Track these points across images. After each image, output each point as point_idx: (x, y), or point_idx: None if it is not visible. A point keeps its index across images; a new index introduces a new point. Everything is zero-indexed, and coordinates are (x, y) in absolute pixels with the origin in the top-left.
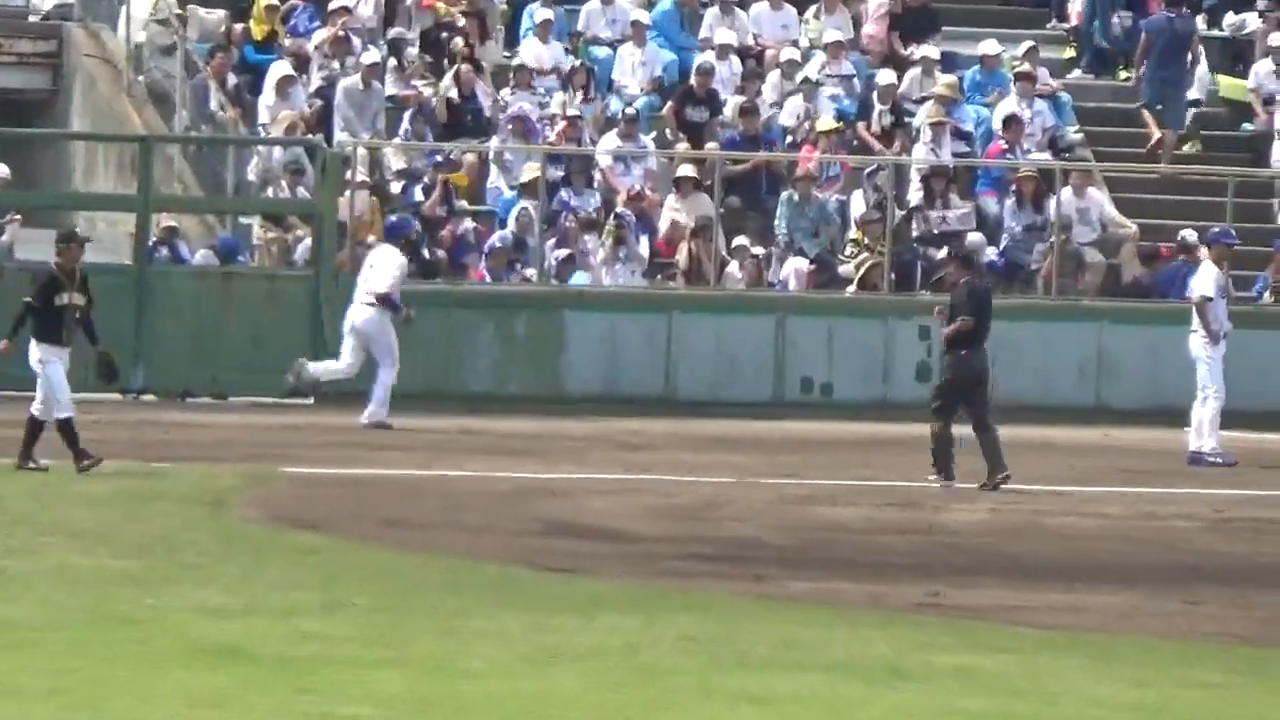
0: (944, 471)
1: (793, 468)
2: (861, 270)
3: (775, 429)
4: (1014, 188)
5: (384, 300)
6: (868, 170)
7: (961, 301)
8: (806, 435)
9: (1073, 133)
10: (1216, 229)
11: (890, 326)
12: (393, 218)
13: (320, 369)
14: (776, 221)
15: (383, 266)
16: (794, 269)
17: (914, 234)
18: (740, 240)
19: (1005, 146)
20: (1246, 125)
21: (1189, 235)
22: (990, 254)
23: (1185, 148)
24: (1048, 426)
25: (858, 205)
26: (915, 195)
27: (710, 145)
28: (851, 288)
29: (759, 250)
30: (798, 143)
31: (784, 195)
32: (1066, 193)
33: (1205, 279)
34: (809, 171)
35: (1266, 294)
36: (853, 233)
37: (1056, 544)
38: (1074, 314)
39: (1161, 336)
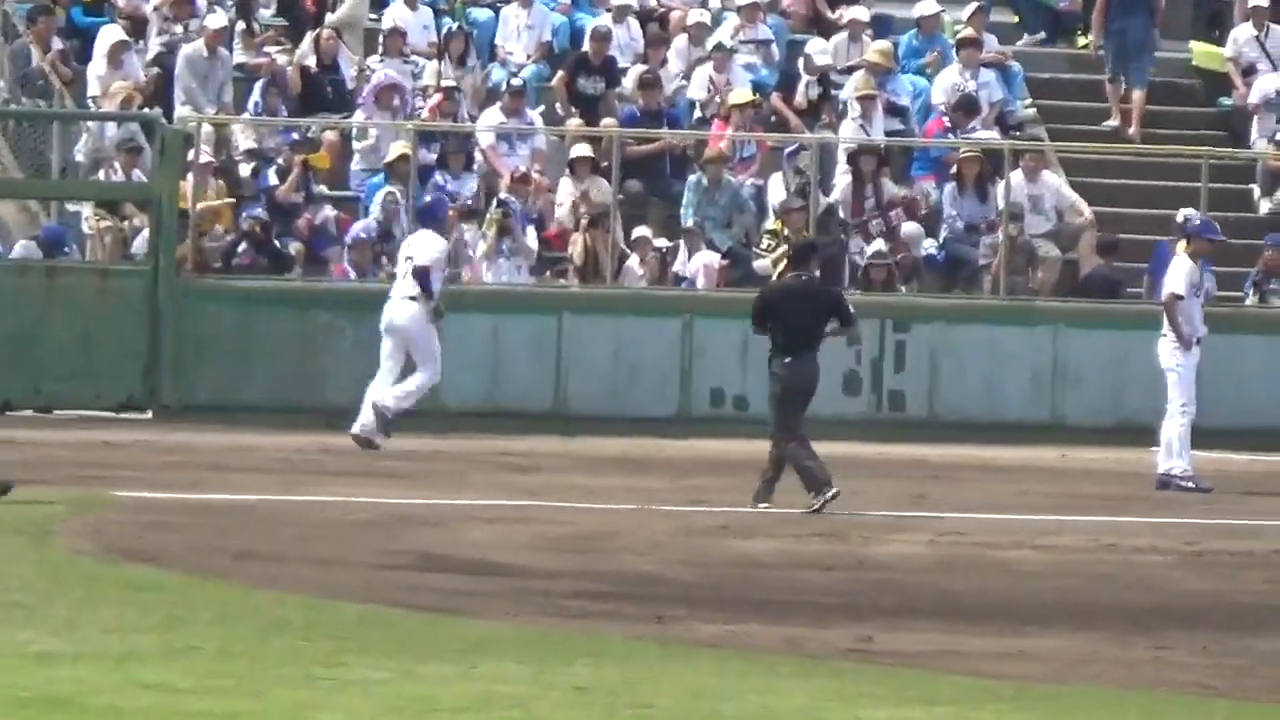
0: (822, 486)
1: (701, 493)
2: (780, 266)
3: (681, 448)
4: (956, 170)
5: (421, 276)
6: (788, 150)
7: (773, 298)
8: (717, 455)
9: (1024, 107)
10: (1197, 220)
11: None
12: (426, 198)
13: (387, 397)
14: (683, 209)
15: (424, 251)
16: (703, 264)
17: (839, 223)
18: (642, 231)
19: (948, 124)
20: (1223, 100)
21: (1190, 214)
22: (929, 247)
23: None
24: (995, 445)
25: (776, 191)
26: (842, 179)
27: (607, 122)
28: None
29: (663, 242)
30: (707, 119)
31: (691, 179)
32: (1017, 177)
33: (1177, 275)
34: (720, 152)
35: (1250, 294)
36: (770, 222)
37: (1004, 581)
38: (1026, 316)
39: (1126, 341)
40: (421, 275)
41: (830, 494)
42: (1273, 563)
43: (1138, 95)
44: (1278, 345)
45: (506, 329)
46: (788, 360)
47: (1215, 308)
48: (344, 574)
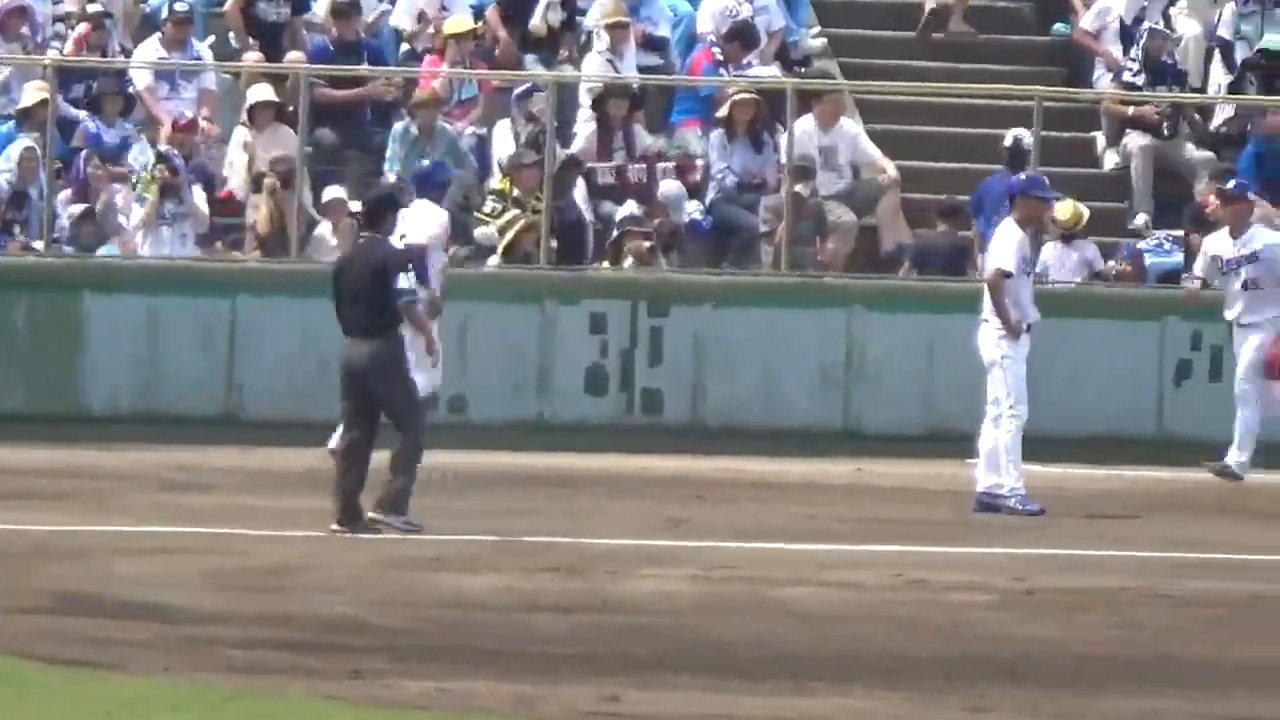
0: (344, 514)
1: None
2: (509, 235)
3: (381, 461)
4: (726, 115)
5: (419, 260)
6: (518, 91)
7: (337, 267)
8: (426, 469)
9: (811, 37)
10: (1023, 175)
11: (549, 315)
12: (424, 163)
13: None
14: (387, 164)
15: (421, 227)
16: None
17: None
18: (336, 191)
19: (717, 58)
20: (1059, 27)
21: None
22: (692, 211)
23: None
24: (775, 457)
25: (503, 141)
26: (585, 127)
27: (293, 56)
28: (494, 259)
29: None
30: (418, 53)
31: (397, 128)
32: (805, 124)
33: (1004, 248)
34: (433, 94)
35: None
36: (496, 181)
37: (785, 626)
38: (814, 296)
39: (938, 327)
40: (419, 258)
41: (337, 527)
42: (1117, 602)
43: None
44: (1124, 332)
45: (167, 313)
46: (346, 342)
47: (1045, 286)
48: None
